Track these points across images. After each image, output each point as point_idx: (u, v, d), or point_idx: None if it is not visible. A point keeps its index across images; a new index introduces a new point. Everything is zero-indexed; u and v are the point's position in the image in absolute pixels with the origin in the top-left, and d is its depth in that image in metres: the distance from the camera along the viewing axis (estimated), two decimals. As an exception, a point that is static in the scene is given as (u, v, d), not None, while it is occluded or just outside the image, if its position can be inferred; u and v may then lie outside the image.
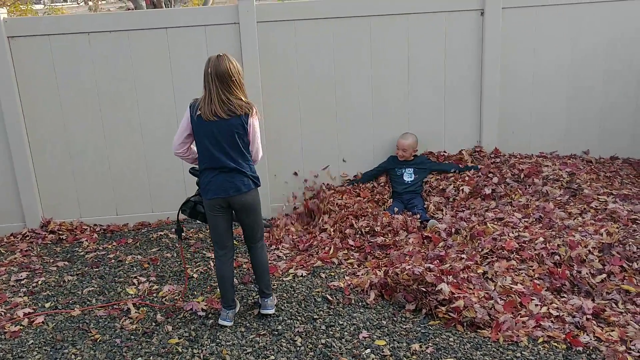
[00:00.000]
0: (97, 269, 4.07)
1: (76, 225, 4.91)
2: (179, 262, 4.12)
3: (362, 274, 3.73)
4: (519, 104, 5.03)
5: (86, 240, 4.64)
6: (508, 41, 4.85)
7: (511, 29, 4.83)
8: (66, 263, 4.21)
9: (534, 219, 4.02)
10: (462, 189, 4.61)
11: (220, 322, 3.20)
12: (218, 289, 3.62)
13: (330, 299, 3.43)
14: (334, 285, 3.59)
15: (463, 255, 3.59)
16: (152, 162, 4.94)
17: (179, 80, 4.79)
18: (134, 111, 4.83)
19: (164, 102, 4.83)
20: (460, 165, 4.88)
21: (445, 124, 5.04)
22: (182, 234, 3.52)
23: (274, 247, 4.38)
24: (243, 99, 3.04)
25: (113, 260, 4.21)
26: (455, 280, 3.26)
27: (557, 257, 3.48)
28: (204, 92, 3.04)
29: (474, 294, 3.18)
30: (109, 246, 4.52)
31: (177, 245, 4.43)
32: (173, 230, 4.58)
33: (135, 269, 4.03)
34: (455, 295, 3.14)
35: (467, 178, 4.72)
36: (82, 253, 4.41)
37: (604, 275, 3.33)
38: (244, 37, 4.71)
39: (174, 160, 4.85)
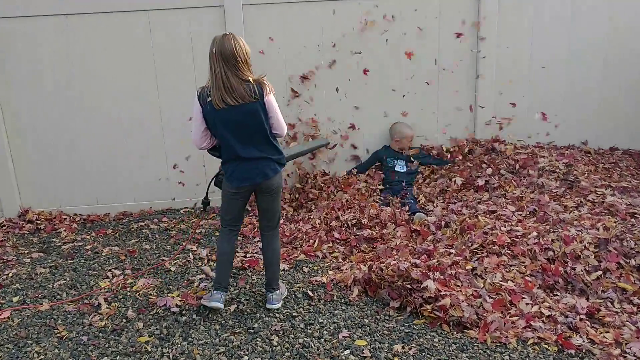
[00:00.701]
0: (71, 261, 3.90)
1: (55, 215, 4.75)
2: (157, 255, 3.96)
3: (346, 269, 3.56)
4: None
5: (64, 231, 4.48)
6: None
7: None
8: (41, 254, 4.04)
9: (528, 212, 3.85)
10: (455, 180, 4.43)
11: (212, 304, 3.05)
12: (195, 283, 3.47)
13: (312, 295, 3.26)
14: (316, 281, 3.43)
15: (452, 250, 3.41)
16: (131, 150, 4.76)
17: (162, 66, 4.59)
18: (114, 98, 4.65)
19: (147, 89, 4.64)
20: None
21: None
22: (208, 206, 3.43)
23: (257, 238, 4.21)
24: (252, 79, 2.83)
25: (89, 252, 4.05)
26: (442, 277, 3.09)
27: (550, 252, 3.31)
28: (210, 77, 2.84)
29: (461, 291, 3.01)
30: (87, 237, 4.36)
31: (166, 231, 4.29)
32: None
33: (111, 261, 3.87)
34: (442, 293, 2.97)
35: (460, 169, 4.54)
36: (59, 244, 4.25)
37: (600, 273, 3.16)
38: (229, 20, 4.50)
39: (154, 148, 4.73)
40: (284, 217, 4.51)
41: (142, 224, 4.54)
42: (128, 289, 3.46)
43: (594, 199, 3.93)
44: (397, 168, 4.66)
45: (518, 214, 3.84)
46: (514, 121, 4.86)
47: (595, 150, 4.87)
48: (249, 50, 2.86)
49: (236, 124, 2.83)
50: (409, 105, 4.82)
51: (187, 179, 4.87)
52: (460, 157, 4.71)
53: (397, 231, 3.88)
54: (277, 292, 3.17)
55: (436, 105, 4.83)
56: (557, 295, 3.08)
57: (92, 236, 4.36)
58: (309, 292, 3.30)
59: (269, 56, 4.63)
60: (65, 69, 4.54)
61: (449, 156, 4.76)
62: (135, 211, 4.87)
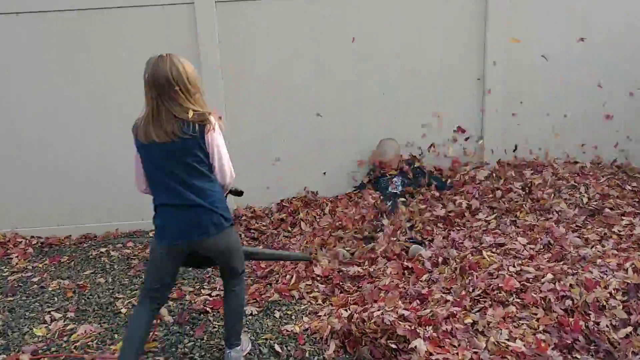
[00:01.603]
0: (12, 298, 3.39)
1: (10, 238, 4.26)
2: (111, 290, 3.44)
3: (324, 315, 3.01)
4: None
5: (17, 257, 3.98)
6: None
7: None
8: (-19, 287, 3.55)
9: (542, 246, 3.26)
10: (459, 203, 3.85)
11: None
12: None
13: (280, 350, 2.72)
14: (287, 331, 2.88)
15: (449, 297, 2.84)
16: (99, 165, 4.26)
17: (128, 73, 4.08)
18: (77, 106, 4.16)
19: (109, 95, 4.14)
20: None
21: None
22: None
23: (229, 271, 3.67)
24: (193, 109, 2.25)
25: (35, 286, 3.54)
26: (435, 334, 2.53)
27: (568, 301, 2.72)
28: (145, 106, 2.28)
29: (458, 354, 2.45)
30: (39, 265, 3.86)
31: (116, 264, 3.77)
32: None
33: (55, 299, 3.35)
34: (434, 358, 2.41)
35: (465, 189, 3.97)
36: (5, 273, 3.75)
37: (630, 329, 2.57)
38: (200, 19, 3.98)
39: (123, 165, 4.23)
40: (261, 243, 3.98)
41: (103, 250, 4.03)
42: (65, 337, 2.93)
43: (620, 231, 3.33)
44: (391, 188, 4.10)
45: (530, 248, 3.26)
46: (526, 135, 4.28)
47: (621, 167, 4.26)
48: (192, 75, 2.28)
49: (170, 160, 2.25)
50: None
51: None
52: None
53: (388, 267, 3.32)
54: (237, 348, 2.63)
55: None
56: (576, 358, 2.50)
57: (45, 264, 3.86)
58: (276, 346, 2.75)
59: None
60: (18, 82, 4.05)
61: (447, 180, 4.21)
62: (100, 233, 4.36)
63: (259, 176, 4.36)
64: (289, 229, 4.09)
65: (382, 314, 2.68)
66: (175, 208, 2.29)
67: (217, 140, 2.31)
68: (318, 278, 3.38)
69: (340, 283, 3.28)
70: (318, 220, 4.07)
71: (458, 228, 3.67)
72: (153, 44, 3.78)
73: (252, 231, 4.17)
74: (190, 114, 2.24)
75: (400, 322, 2.60)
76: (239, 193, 2.70)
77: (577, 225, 3.42)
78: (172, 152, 2.24)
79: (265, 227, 4.18)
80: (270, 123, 4.29)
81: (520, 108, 4.29)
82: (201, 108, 2.29)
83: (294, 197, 4.39)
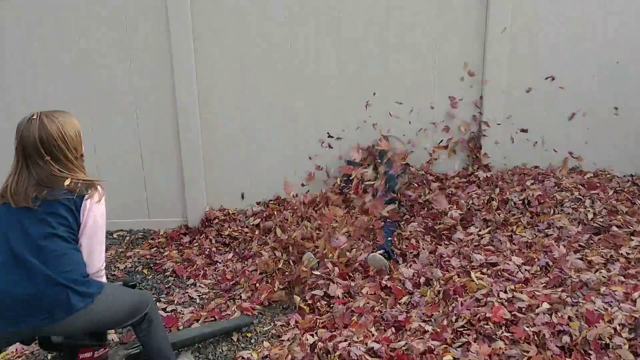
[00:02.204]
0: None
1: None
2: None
3: (287, 340, 2.65)
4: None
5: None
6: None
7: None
8: None
9: (539, 268, 2.88)
10: (450, 214, 3.47)
11: None
12: None
13: (231, 382, 2.37)
14: (243, 358, 2.53)
15: (428, 327, 2.47)
16: None
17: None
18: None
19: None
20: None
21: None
22: None
23: (191, 281, 3.32)
24: (72, 177, 1.88)
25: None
26: (408, 374, 2.17)
27: (566, 337, 2.34)
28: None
29: (433, 399, 2.09)
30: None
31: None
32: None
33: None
34: (404, 404, 2.05)
35: (459, 197, 3.58)
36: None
37: (637, 374, 2.20)
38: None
39: None
40: (232, 250, 3.63)
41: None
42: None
43: (628, 253, 2.95)
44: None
45: (525, 270, 2.88)
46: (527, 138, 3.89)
47: (632, 178, 3.86)
48: (72, 135, 1.91)
49: (24, 225, 1.81)
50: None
51: (126, 195, 4.01)
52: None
53: (365, 286, 2.95)
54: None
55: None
56: (573, 407, 2.14)
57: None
58: (228, 377, 2.40)
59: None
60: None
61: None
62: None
63: (233, 175, 4.00)
64: (263, 236, 3.73)
65: (349, 345, 2.32)
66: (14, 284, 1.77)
67: (96, 213, 1.88)
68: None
69: (311, 302, 2.92)
70: (295, 226, 3.70)
71: (447, 243, 3.29)
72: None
73: (224, 237, 3.81)
74: (67, 182, 1.86)
75: (369, 358, 2.23)
76: (130, 286, 2.16)
77: (579, 245, 3.04)
78: (39, 216, 1.81)
79: (238, 233, 3.82)
80: (246, 120, 3.92)
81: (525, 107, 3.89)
82: (82, 174, 1.92)
83: (270, 200, 4.02)
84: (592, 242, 3.07)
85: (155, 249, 3.76)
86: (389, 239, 3.31)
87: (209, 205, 4.03)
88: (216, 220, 3.96)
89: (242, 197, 4.03)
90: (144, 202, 4.03)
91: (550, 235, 3.18)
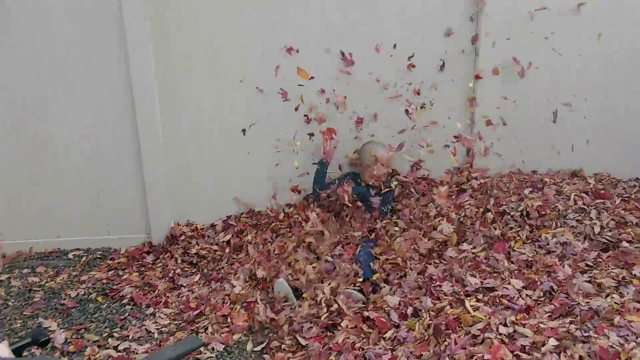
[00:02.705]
0: None
1: None
2: (-7, 339, 2.71)
3: (254, 385, 2.28)
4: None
5: None
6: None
7: None
8: None
9: (542, 293, 2.53)
10: (441, 228, 3.11)
11: None
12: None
13: None
14: (201, 411, 2.16)
15: (416, 372, 2.12)
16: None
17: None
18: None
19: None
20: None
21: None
22: None
23: (151, 310, 2.95)
24: None
25: None
26: None
27: (577, 383, 2.00)
28: None
29: None
30: None
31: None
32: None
33: None
34: None
35: (451, 210, 3.22)
36: None
37: None
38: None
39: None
40: (200, 270, 3.25)
41: (3, 278, 3.29)
42: None
43: (643, 273, 2.60)
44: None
45: (527, 296, 2.53)
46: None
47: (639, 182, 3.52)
48: None
49: None
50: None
51: (82, 210, 3.62)
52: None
53: (344, 319, 2.58)
54: None
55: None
56: None
57: None
58: None
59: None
60: None
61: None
62: (9, 253, 3.61)
63: (201, 186, 3.62)
64: (234, 255, 3.35)
65: (322, 398, 1.95)
66: None
67: None
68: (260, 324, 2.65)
69: (282, 340, 2.55)
70: (269, 242, 3.33)
71: (437, 262, 2.93)
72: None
73: (191, 255, 3.43)
74: None
75: (345, 417, 1.87)
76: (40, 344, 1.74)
77: (586, 265, 2.69)
78: None
79: (206, 251, 3.44)
80: (212, 125, 3.53)
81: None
82: None
83: (242, 213, 3.64)
84: (600, 260, 2.72)
85: (113, 271, 3.37)
86: (368, 261, 2.95)
87: (175, 220, 3.64)
88: (183, 237, 3.57)
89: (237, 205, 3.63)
90: (102, 217, 3.64)
91: (553, 252, 2.83)
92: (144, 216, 3.62)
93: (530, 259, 2.80)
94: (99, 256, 3.58)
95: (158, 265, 3.42)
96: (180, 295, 3.04)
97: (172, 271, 3.30)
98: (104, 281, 3.24)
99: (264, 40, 3.38)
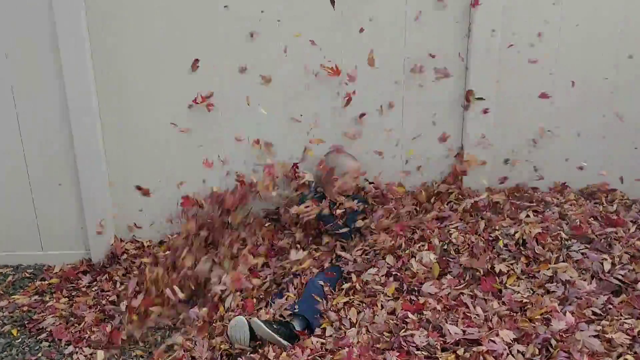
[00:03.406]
0: None
1: None
2: None
3: None
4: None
5: None
6: None
7: None
8: None
9: (537, 349, 2.03)
10: (420, 256, 2.61)
11: None
12: None
13: None
14: None
15: None
16: None
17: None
18: None
19: None
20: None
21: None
22: None
23: (70, 349, 2.47)
24: None
25: None
26: None
27: None
28: None
29: None
30: None
31: None
32: None
33: None
34: None
35: (431, 235, 2.72)
36: None
37: None
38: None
39: None
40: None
41: None
42: None
43: (663, 326, 2.10)
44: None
45: (518, 351, 2.03)
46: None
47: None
48: None
49: None
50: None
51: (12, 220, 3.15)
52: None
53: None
54: None
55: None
56: None
57: None
58: None
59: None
60: None
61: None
62: None
63: (148, 197, 3.14)
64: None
65: None
66: None
67: None
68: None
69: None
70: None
71: (413, 298, 2.44)
72: None
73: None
74: None
75: None
76: None
77: (593, 312, 2.18)
78: None
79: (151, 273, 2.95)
80: (160, 131, 3.04)
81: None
82: None
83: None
84: (610, 306, 2.21)
85: (39, 295, 2.90)
86: (317, 298, 2.47)
87: (118, 236, 3.16)
88: (125, 256, 3.09)
89: None
90: (34, 230, 3.16)
91: (553, 292, 2.33)
92: (83, 230, 3.15)
93: (525, 300, 2.30)
94: (28, 275, 3.11)
95: (94, 288, 2.94)
96: (112, 326, 2.56)
97: (107, 298, 2.82)
98: (25, 308, 2.77)
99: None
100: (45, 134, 3.00)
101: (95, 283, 2.99)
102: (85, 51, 2.84)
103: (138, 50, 2.90)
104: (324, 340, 2.27)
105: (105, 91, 2.94)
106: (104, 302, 2.79)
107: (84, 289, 2.95)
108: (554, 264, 2.44)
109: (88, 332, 2.57)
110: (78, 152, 2.98)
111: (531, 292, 2.37)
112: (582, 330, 2.07)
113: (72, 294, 2.92)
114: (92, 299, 2.83)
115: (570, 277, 2.36)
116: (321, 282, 2.55)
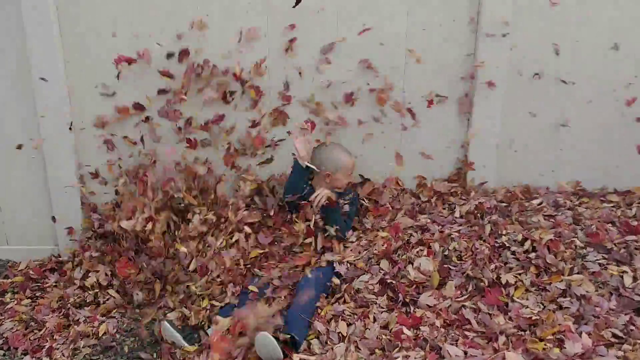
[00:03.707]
0: None
1: None
2: None
3: None
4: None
5: None
6: None
7: None
8: None
9: (550, 377, 1.79)
10: (418, 263, 2.35)
11: None
12: None
13: None
14: None
15: None
16: None
17: None
18: None
19: None
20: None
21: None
22: None
23: (27, 359, 2.23)
24: None
25: None
26: None
27: None
28: None
29: None
30: None
31: None
32: None
33: None
34: None
35: (431, 239, 2.46)
36: None
37: None
38: None
39: None
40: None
41: None
42: None
43: (693, 353, 1.85)
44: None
45: (527, 381, 1.78)
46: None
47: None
48: None
49: None
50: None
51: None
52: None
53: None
54: None
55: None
56: None
57: None
58: None
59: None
60: None
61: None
62: None
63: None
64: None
65: None
66: None
67: None
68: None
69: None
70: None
71: (409, 311, 2.18)
72: None
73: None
74: None
75: None
76: None
77: (614, 335, 1.93)
78: None
79: (122, 272, 2.69)
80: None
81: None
82: None
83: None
84: (633, 327, 1.96)
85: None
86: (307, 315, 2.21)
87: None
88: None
89: None
90: (-1, 222, 2.91)
91: (567, 308, 2.08)
92: (51, 224, 2.88)
93: (534, 317, 2.05)
94: (-9, 272, 2.85)
95: (60, 288, 2.68)
96: (68, 339, 2.31)
97: (74, 299, 2.57)
98: (-11, 314, 2.51)
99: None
100: (10, 118, 2.73)
101: (62, 282, 2.73)
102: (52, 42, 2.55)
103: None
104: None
105: (74, 73, 2.66)
106: (69, 304, 2.53)
107: (49, 289, 2.69)
108: (568, 275, 2.18)
109: (48, 340, 2.31)
110: (46, 140, 2.71)
111: (541, 307, 2.11)
112: (601, 355, 1.82)
113: (36, 294, 2.67)
114: (56, 301, 2.57)
115: (586, 291, 2.10)
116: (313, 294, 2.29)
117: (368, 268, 2.40)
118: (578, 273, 2.18)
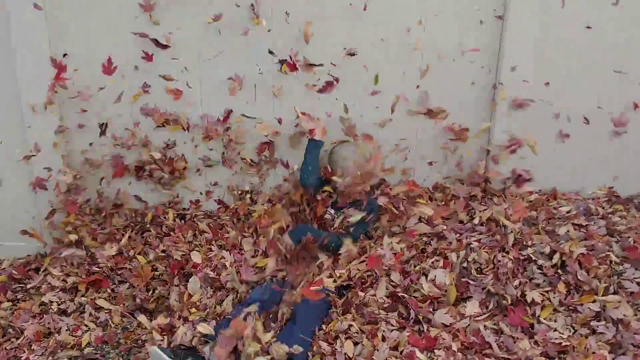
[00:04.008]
0: None
1: None
2: None
3: None
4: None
5: None
6: None
7: None
8: None
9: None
10: (434, 275, 2.13)
11: None
12: None
13: None
14: None
15: None
16: None
17: None
18: None
19: None
20: None
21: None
22: None
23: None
24: None
25: None
26: None
27: None
28: None
29: None
30: None
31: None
32: None
33: None
34: None
35: (448, 249, 2.23)
36: None
37: None
38: None
39: None
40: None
41: None
42: None
43: None
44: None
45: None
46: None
47: None
48: None
49: None
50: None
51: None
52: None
53: None
54: None
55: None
56: None
57: None
58: None
59: None
60: None
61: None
62: None
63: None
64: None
65: None
66: None
67: None
68: None
69: None
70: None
71: (422, 330, 1.96)
72: None
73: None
74: None
75: None
76: None
77: (658, 368, 1.70)
78: None
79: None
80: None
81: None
82: None
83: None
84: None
85: (-22, 298, 2.46)
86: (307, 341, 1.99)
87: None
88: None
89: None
90: (-18, 218, 2.71)
91: (601, 334, 1.84)
92: (37, 220, 2.69)
93: (564, 342, 1.81)
94: (-29, 271, 2.66)
95: (44, 290, 2.49)
96: (47, 350, 2.11)
97: (56, 304, 2.37)
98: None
99: None
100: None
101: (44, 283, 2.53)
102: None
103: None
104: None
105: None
106: (52, 308, 2.34)
107: (33, 290, 2.49)
108: (602, 295, 1.94)
109: (25, 351, 2.12)
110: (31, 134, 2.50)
111: (572, 330, 1.88)
112: (642, 394, 1.58)
113: (18, 296, 2.47)
114: (38, 305, 2.37)
115: (624, 315, 1.87)
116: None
117: (377, 280, 2.17)
118: (614, 293, 1.94)
